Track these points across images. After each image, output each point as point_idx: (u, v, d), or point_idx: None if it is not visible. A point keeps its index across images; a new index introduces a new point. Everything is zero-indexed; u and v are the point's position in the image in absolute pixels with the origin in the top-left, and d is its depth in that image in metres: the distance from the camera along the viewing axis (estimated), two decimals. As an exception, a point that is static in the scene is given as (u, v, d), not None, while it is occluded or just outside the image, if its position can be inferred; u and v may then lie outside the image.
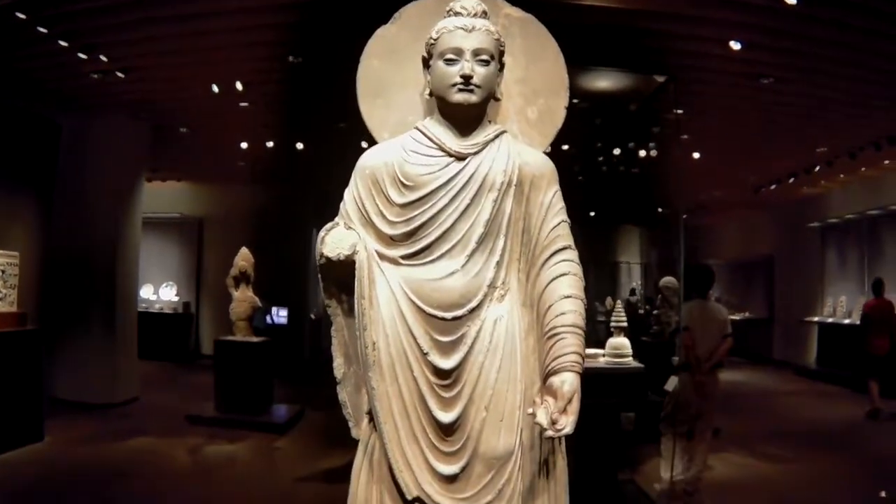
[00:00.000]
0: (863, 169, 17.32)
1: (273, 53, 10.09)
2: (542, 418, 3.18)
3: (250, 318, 12.65)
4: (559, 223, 3.62)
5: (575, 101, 4.06)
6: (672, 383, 9.41)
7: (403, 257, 3.53)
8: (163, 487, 8.50)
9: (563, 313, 3.41)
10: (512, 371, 3.42)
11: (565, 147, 14.40)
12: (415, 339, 3.41)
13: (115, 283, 13.55)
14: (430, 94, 3.65)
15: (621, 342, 7.81)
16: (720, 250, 28.87)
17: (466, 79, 3.47)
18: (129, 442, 10.51)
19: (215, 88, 11.20)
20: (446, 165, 3.54)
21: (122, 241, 13.81)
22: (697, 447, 9.25)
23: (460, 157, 3.53)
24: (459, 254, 3.48)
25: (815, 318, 20.62)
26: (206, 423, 11.68)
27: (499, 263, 3.50)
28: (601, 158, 15.59)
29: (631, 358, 7.81)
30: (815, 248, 21.49)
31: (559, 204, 3.67)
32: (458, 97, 3.49)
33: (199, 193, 21.21)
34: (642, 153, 15.07)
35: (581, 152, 15.12)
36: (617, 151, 15.11)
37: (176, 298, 20.88)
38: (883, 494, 8.83)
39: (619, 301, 8.54)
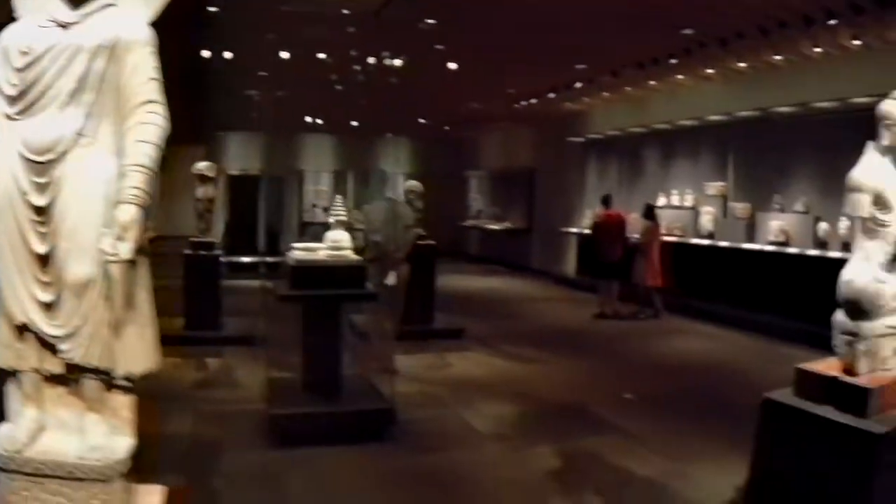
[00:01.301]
0: (627, 88, 17.76)
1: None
2: (105, 245, 3.66)
3: None
4: (147, 80, 3.99)
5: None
6: (392, 277, 10.10)
7: (17, 113, 3.89)
8: None
9: (133, 154, 3.85)
10: (94, 209, 3.81)
11: (321, 55, 14.44)
12: (19, 181, 3.78)
13: None
14: None
15: (339, 236, 8.06)
16: (483, 162, 29.57)
17: None
18: None
19: None
20: (53, 34, 3.91)
21: None
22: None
23: (65, 26, 3.91)
24: (56, 107, 3.87)
25: (574, 230, 21.42)
26: None
27: (88, 115, 3.90)
28: (358, 68, 15.56)
29: (350, 251, 8.06)
30: (577, 163, 22.17)
31: (149, 64, 4.02)
32: None
33: None
34: (398, 62, 15.02)
35: (337, 62, 15.05)
36: (371, 60, 15.06)
37: None
38: (627, 396, 9.42)
39: (339, 196, 8.68)
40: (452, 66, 15.52)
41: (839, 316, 4.54)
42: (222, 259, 13.13)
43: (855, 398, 4.17)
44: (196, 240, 12.17)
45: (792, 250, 14.16)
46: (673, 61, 14.41)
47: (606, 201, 16.44)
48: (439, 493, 6.38)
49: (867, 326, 4.34)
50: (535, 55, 14.77)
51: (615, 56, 14.85)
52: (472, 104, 21.47)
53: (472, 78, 16.98)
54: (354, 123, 25.38)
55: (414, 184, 13.07)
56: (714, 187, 16.75)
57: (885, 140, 4.66)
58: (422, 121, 25.15)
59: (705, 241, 16.34)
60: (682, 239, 16.93)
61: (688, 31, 12.58)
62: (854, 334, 4.38)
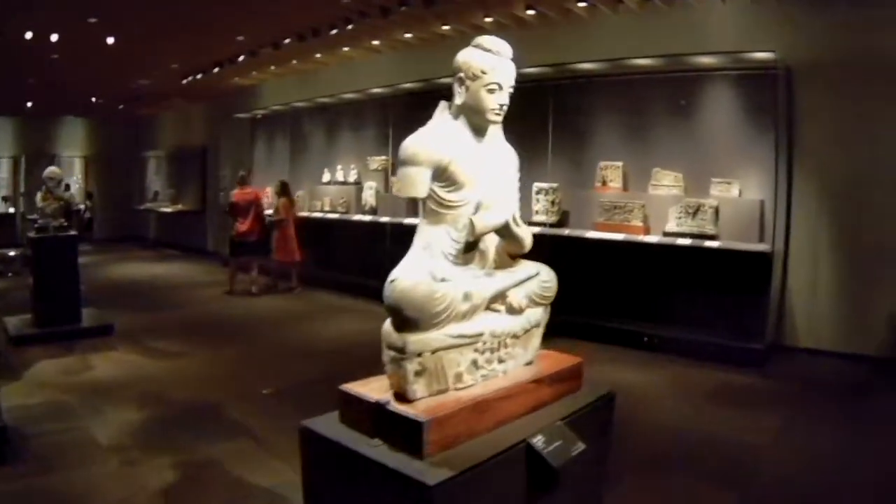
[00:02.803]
0: (294, 62, 17.36)
1: None
2: None
3: None
4: None
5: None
6: None
7: None
8: None
9: None
10: None
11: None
12: None
13: None
14: None
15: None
16: (161, 141, 28.22)
17: None
18: None
19: None
20: None
21: None
22: None
23: None
24: None
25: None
26: None
27: None
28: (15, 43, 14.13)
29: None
30: (245, 140, 21.51)
31: None
32: None
33: None
34: (54, 37, 13.92)
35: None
36: (29, 35, 13.80)
37: None
38: (266, 391, 8.78)
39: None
40: (110, 40, 14.47)
41: (386, 325, 3.57)
42: None
43: (407, 432, 3.26)
44: None
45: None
46: (334, 32, 13.75)
47: (243, 180, 16.46)
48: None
49: (416, 340, 3.41)
50: (193, 27, 14.01)
51: (275, 27, 14.15)
52: (139, 81, 20.33)
53: (132, 53, 16.01)
54: (29, 104, 23.93)
55: (52, 170, 12.39)
56: (377, 161, 16.37)
57: (459, 98, 3.89)
58: (94, 99, 23.80)
59: (367, 217, 16.04)
60: (345, 216, 16.71)
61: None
62: (402, 350, 3.42)
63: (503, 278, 3.95)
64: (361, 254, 15.93)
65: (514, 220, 3.95)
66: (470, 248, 3.81)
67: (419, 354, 3.42)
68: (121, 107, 25.58)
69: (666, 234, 10.95)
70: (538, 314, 4.16)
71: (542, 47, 12.53)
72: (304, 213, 17.25)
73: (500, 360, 3.88)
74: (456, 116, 3.92)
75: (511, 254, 4.11)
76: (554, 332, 11.33)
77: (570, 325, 10.80)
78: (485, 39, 3.91)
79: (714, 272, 10.47)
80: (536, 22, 12.62)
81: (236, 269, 16.15)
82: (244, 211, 15.81)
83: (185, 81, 19.86)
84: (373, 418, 3.43)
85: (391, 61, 15.85)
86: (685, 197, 11.04)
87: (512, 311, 3.94)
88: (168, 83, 20.41)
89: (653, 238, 11.06)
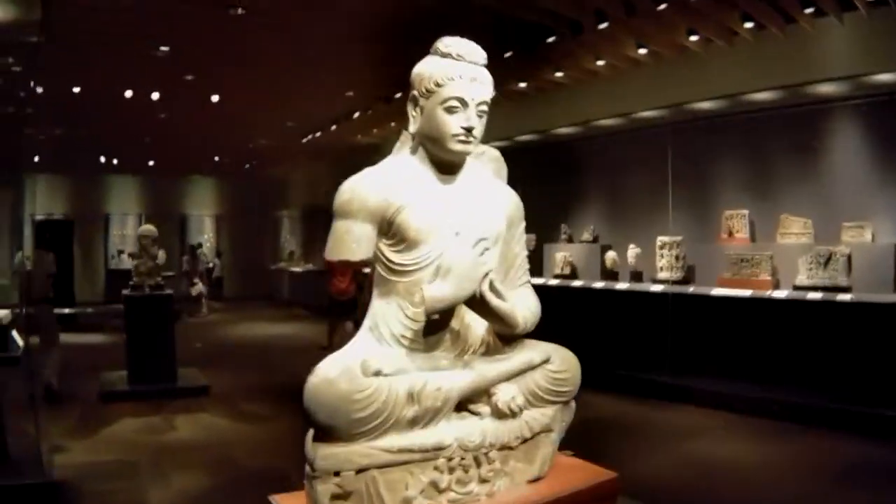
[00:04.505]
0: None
1: None
2: None
3: None
4: None
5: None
6: None
7: None
8: None
9: None
10: None
11: (76, 89, 13.05)
12: None
13: None
14: None
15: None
16: (294, 200, 28.29)
17: None
18: None
19: None
20: None
21: None
22: None
23: None
24: None
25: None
26: None
27: None
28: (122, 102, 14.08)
29: None
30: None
31: None
32: None
33: None
34: (155, 95, 13.74)
35: (95, 97, 13.69)
36: (129, 94, 13.65)
37: None
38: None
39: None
40: (214, 98, 14.29)
41: (310, 432, 2.76)
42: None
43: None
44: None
45: (577, 283, 12.94)
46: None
47: None
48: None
49: (329, 454, 2.54)
50: (296, 84, 13.81)
51: (381, 80, 13.55)
52: (258, 140, 20.31)
53: (242, 110, 15.93)
54: (151, 163, 24.14)
55: (147, 228, 12.08)
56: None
57: (413, 124, 3.06)
58: (217, 158, 23.84)
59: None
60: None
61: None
62: (311, 465, 2.58)
63: (484, 370, 2.94)
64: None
65: (493, 288, 2.88)
66: (436, 329, 2.86)
67: (336, 473, 2.54)
68: (247, 166, 25.67)
69: (796, 288, 9.96)
70: (547, 416, 3.10)
71: (657, 89, 11.79)
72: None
73: (483, 480, 2.86)
74: (414, 150, 3.11)
75: (500, 335, 3.09)
76: (670, 398, 10.30)
77: (689, 390, 9.91)
78: (444, 40, 2.97)
79: (847, 328, 9.28)
80: (650, 62, 11.80)
81: (336, 327, 15.28)
82: (339, 268, 14.98)
83: (304, 140, 19.76)
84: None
85: (504, 114, 15.00)
86: (815, 245, 10.06)
87: (500, 413, 2.92)
88: (288, 142, 20.32)
89: (782, 293, 10.05)
